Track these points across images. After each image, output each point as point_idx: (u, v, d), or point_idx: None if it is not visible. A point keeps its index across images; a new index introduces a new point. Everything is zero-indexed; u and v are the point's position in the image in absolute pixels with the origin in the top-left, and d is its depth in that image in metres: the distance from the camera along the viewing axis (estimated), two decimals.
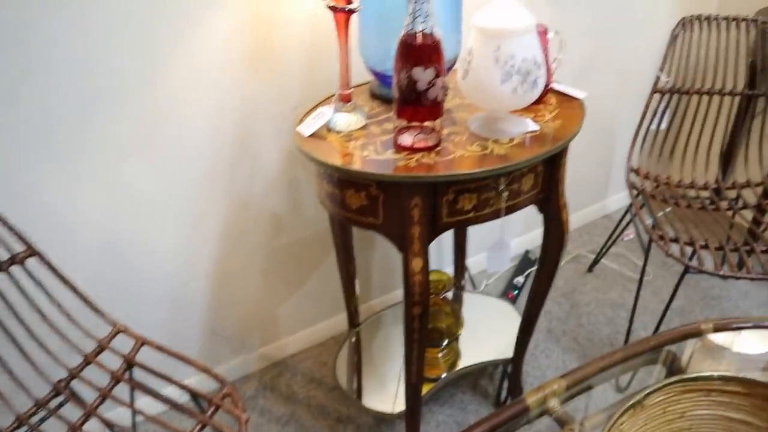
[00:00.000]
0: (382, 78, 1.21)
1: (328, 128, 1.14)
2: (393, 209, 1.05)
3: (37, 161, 1.15)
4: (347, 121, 1.12)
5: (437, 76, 0.99)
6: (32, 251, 1.10)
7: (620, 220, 1.87)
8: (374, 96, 1.26)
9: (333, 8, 1.03)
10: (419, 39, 0.97)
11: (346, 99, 1.13)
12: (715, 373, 0.79)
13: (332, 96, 1.22)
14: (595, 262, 2.01)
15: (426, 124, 1.05)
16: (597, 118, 2.00)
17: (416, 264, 1.08)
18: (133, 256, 1.35)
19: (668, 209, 1.59)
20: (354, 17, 1.08)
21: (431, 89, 1.00)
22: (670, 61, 1.60)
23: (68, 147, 1.17)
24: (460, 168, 1.00)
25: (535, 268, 2.00)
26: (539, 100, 1.22)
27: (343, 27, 1.06)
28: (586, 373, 0.84)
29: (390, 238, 1.10)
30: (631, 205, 1.59)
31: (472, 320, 1.65)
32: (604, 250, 1.96)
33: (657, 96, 1.64)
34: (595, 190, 2.22)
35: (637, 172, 1.66)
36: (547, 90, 1.24)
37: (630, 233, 2.13)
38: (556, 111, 1.20)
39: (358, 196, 1.06)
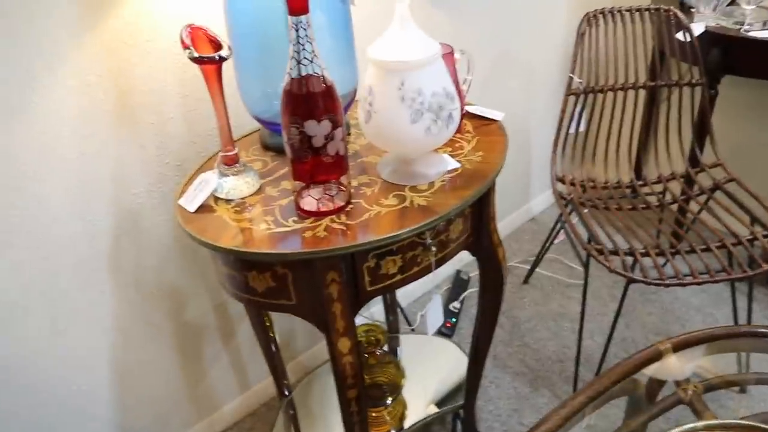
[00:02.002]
0: (271, 126, 1.04)
1: (215, 197, 0.95)
2: (306, 288, 0.88)
3: None
4: (236, 186, 0.94)
5: (335, 127, 0.83)
6: None
7: (552, 229, 1.77)
8: (266, 147, 1.08)
9: (198, 60, 0.84)
10: (307, 86, 0.80)
11: (231, 161, 0.94)
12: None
13: (217, 154, 1.03)
14: (530, 272, 1.91)
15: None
16: (511, 122, 1.90)
17: (343, 345, 0.91)
18: (7, 375, 1.11)
19: (599, 215, 1.51)
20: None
21: (330, 144, 0.83)
22: (579, 60, 1.51)
23: None
24: (378, 231, 0.85)
25: (469, 290, 1.88)
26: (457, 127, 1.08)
27: (215, 79, 0.88)
28: (549, 427, 0.74)
29: (308, 319, 0.93)
30: (560, 216, 1.49)
31: (414, 365, 1.50)
32: (537, 259, 1.87)
33: (572, 98, 1.54)
34: (517, 195, 2.13)
35: (562, 180, 1.56)
36: (461, 116, 1.11)
37: (560, 236, 2.05)
38: (474, 139, 1.06)
39: (263, 277, 0.89)
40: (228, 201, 0.94)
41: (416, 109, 0.86)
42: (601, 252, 1.32)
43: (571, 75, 1.50)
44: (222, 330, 1.44)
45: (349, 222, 0.87)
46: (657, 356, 0.96)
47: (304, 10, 0.77)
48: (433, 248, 0.93)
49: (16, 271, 1.06)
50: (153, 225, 1.21)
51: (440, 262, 0.96)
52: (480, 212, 1.01)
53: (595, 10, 1.52)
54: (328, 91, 0.81)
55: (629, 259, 1.32)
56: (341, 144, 0.85)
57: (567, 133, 1.56)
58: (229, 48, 0.87)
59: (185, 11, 1.08)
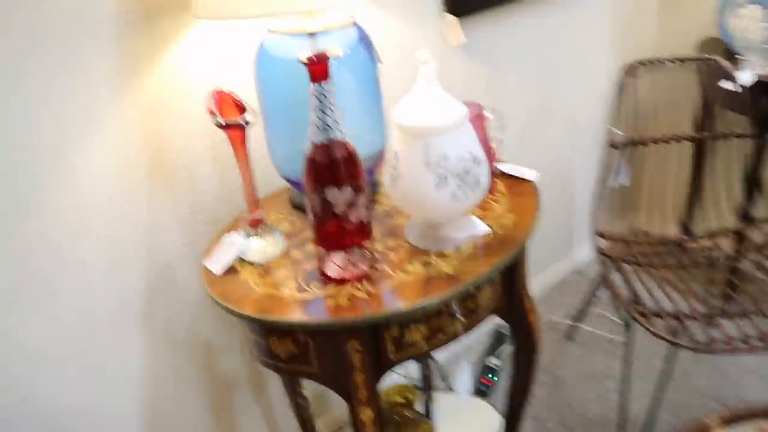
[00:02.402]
0: (299, 187, 1.03)
1: (241, 259, 0.95)
2: (329, 355, 0.86)
3: None
4: (261, 249, 0.94)
5: (358, 193, 0.81)
6: None
7: (596, 286, 1.71)
8: (295, 206, 1.08)
9: (224, 126, 0.85)
10: (328, 153, 0.79)
11: (255, 224, 0.94)
12: None
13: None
14: (573, 328, 1.84)
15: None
16: (552, 168, 1.86)
17: (366, 415, 0.88)
18: (39, 422, 1.12)
19: (642, 273, 1.44)
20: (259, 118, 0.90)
21: (352, 211, 0.82)
22: (619, 111, 1.47)
23: None
24: (402, 300, 0.82)
25: (508, 345, 1.81)
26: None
27: (240, 143, 0.88)
28: None
29: (331, 387, 0.90)
30: (602, 273, 1.43)
31: (447, 426, 1.45)
32: (580, 314, 1.80)
33: (613, 150, 1.50)
34: (560, 244, 2.06)
35: (603, 235, 1.51)
36: (493, 175, 1.08)
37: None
38: (506, 200, 1.03)
39: (284, 343, 0.87)
40: (252, 263, 0.94)
41: (441, 175, 0.84)
42: (643, 314, 1.25)
43: (611, 128, 1.46)
44: (252, 383, 1.42)
45: (372, 290, 0.84)
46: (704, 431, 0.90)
47: (324, 76, 0.77)
48: (460, 316, 0.89)
49: (53, 323, 1.08)
50: (186, 280, 1.21)
51: (468, 329, 0.92)
52: (511, 277, 0.97)
53: (636, 60, 1.48)
54: (350, 158, 0.80)
55: (675, 322, 1.25)
56: (363, 210, 0.83)
57: (609, 187, 1.51)
58: (254, 112, 0.87)
59: (218, 73, 1.10)
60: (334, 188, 0.79)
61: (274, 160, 1.03)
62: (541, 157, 1.80)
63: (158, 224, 1.14)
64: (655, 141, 1.50)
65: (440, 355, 1.78)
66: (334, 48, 0.89)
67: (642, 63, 1.48)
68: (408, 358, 0.90)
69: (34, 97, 0.95)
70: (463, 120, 0.85)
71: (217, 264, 0.93)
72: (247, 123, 0.86)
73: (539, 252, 1.93)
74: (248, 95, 0.95)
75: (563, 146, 1.88)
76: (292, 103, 0.97)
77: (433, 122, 0.83)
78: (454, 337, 0.92)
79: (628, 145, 1.50)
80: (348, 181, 0.80)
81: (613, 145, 1.49)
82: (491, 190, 1.06)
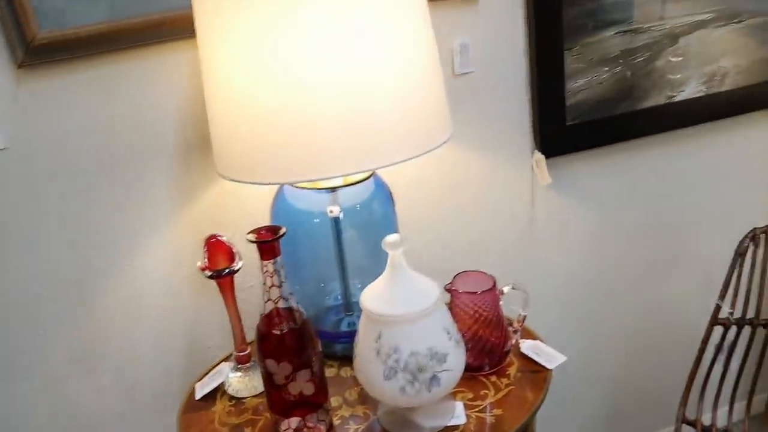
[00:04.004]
0: None
1: (223, 390, 0.99)
2: None
3: None
4: (239, 386, 0.97)
5: (297, 369, 0.80)
6: None
7: None
8: None
9: (213, 276, 0.90)
10: (269, 325, 0.80)
11: (242, 360, 0.97)
12: None
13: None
14: None
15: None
16: (640, 341, 1.61)
17: None
18: None
19: None
20: None
21: (291, 384, 0.81)
22: (734, 284, 1.23)
23: (10, 365, 1.14)
24: None
25: None
26: (497, 365, 0.97)
27: (228, 288, 0.93)
28: None
29: None
30: None
31: None
32: None
33: (718, 328, 1.26)
34: (637, 421, 1.74)
35: (693, 424, 1.26)
36: (505, 353, 0.98)
37: None
38: (508, 387, 0.93)
39: None
40: (231, 397, 0.97)
41: (390, 366, 0.79)
42: None
43: (719, 303, 1.22)
44: None
45: None
46: None
47: (273, 255, 0.78)
48: None
49: (99, 393, 1.22)
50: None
51: None
52: None
53: (766, 226, 1.23)
54: (297, 332, 0.80)
55: None
56: (307, 385, 0.82)
57: (709, 368, 1.26)
58: (240, 258, 0.91)
59: (263, 194, 1.16)
60: (271, 360, 0.80)
61: None
62: (630, 310, 1.57)
63: (201, 321, 1.24)
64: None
65: None
66: (333, 209, 0.90)
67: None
68: None
69: (113, 206, 1.11)
70: (425, 313, 0.79)
71: (201, 388, 0.98)
72: (233, 271, 0.90)
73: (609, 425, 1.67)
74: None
75: (668, 305, 1.61)
76: (301, 249, 0.99)
77: (387, 310, 0.79)
78: None
79: (741, 325, 1.24)
80: (286, 356, 0.79)
81: (718, 323, 1.25)
82: (501, 371, 0.97)
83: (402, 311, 0.79)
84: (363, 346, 0.82)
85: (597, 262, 1.47)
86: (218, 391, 0.99)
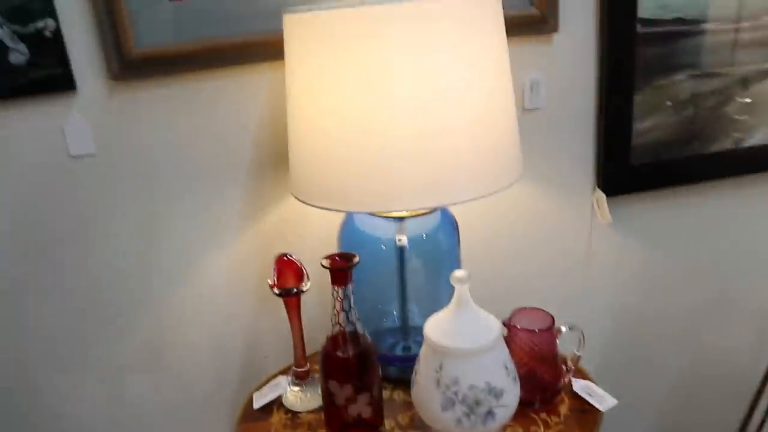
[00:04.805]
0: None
1: (280, 402, 1.02)
2: None
3: (45, 369, 1.20)
4: (295, 401, 1.00)
5: (359, 392, 0.83)
6: None
7: None
8: None
9: (281, 295, 0.94)
10: (334, 348, 0.83)
11: (300, 376, 1.01)
12: None
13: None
14: None
15: None
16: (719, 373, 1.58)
17: None
18: None
19: None
20: None
21: (351, 406, 0.84)
22: None
23: (77, 357, 1.20)
24: None
25: None
26: (548, 403, 0.98)
27: (294, 307, 0.97)
28: None
29: None
30: None
31: None
32: None
33: None
34: None
35: None
36: (557, 391, 0.99)
37: None
38: (557, 426, 0.94)
39: None
40: (287, 410, 1.01)
41: (449, 398, 0.82)
42: None
43: None
44: None
45: None
46: None
47: (345, 282, 0.81)
48: None
49: (156, 389, 1.28)
50: None
51: None
52: None
53: None
54: (360, 356, 0.83)
55: None
56: (366, 408, 0.85)
57: (761, 424, 1.24)
58: (308, 279, 0.95)
59: (332, 215, 1.20)
60: (333, 381, 0.83)
61: None
62: (718, 353, 1.56)
63: (258, 331, 1.28)
64: None
65: None
66: (401, 237, 0.94)
67: None
68: None
69: (187, 213, 1.16)
70: (486, 348, 0.82)
71: (260, 398, 1.02)
72: (302, 292, 0.94)
73: None
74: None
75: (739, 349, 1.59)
76: (364, 271, 1.02)
77: (449, 343, 0.81)
78: None
79: None
80: (348, 380, 0.82)
81: None
82: (553, 409, 0.98)
83: (464, 345, 0.81)
84: (423, 374, 0.85)
85: (651, 303, 1.46)
86: (274, 403, 1.03)
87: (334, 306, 0.82)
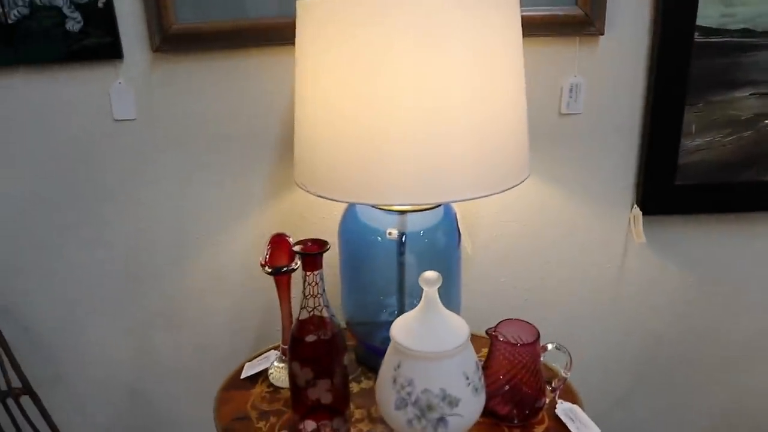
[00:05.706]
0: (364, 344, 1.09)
1: (266, 375, 1.06)
2: None
3: (83, 311, 1.31)
4: (281, 376, 1.03)
5: (318, 377, 0.85)
6: (26, 390, 1.24)
7: None
8: (359, 361, 1.13)
9: (271, 273, 0.97)
10: (300, 330, 0.85)
11: (286, 353, 1.04)
12: None
13: None
14: None
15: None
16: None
17: None
18: (153, 409, 1.42)
19: None
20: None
21: (310, 389, 0.85)
22: None
23: (111, 304, 1.31)
24: None
25: None
26: (526, 419, 0.95)
27: (284, 285, 0.99)
28: None
29: None
30: None
31: None
32: None
33: None
34: None
35: None
36: (537, 409, 0.95)
37: None
38: None
39: None
40: (270, 384, 1.04)
41: (402, 398, 0.81)
42: None
43: None
44: None
45: None
46: None
47: (315, 267, 0.82)
48: None
49: (175, 346, 1.36)
50: None
51: None
52: None
53: None
54: (322, 343, 0.84)
55: None
56: (326, 394, 0.86)
57: None
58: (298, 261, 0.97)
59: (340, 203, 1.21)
60: (296, 363, 0.85)
61: (344, 309, 1.10)
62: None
63: (273, 304, 1.31)
64: None
65: None
66: (392, 231, 0.94)
67: None
68: None
69: (213, 183, 1.22)
70: (447, 354, 0.80)
71: (248, 369, 1.06)
72: (292, 270, 0.96)
73: None
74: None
75: None
76: (365, 262, 1.03)
77: (409, 344, 0.80)
78: None
79: None
80: (310, 362, 0.84)
81: None
82: (529, 428, 0.95)
83: (422, 348, 0.80)
84: (384, 370, 0.84)
85: (682, 332, 1.36)
86: (260, 376, 1.06)
87: (304, 290, 0.84)
